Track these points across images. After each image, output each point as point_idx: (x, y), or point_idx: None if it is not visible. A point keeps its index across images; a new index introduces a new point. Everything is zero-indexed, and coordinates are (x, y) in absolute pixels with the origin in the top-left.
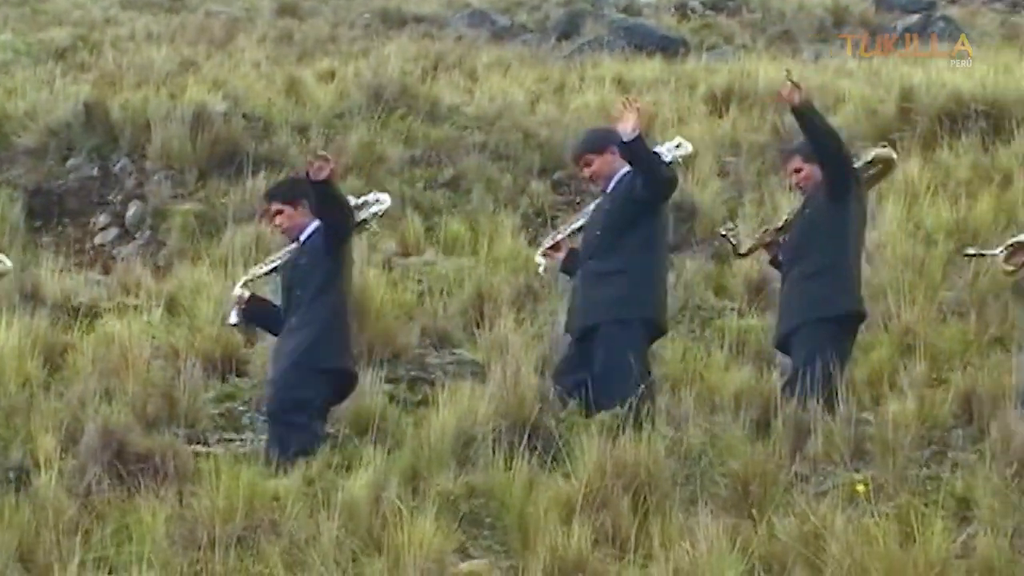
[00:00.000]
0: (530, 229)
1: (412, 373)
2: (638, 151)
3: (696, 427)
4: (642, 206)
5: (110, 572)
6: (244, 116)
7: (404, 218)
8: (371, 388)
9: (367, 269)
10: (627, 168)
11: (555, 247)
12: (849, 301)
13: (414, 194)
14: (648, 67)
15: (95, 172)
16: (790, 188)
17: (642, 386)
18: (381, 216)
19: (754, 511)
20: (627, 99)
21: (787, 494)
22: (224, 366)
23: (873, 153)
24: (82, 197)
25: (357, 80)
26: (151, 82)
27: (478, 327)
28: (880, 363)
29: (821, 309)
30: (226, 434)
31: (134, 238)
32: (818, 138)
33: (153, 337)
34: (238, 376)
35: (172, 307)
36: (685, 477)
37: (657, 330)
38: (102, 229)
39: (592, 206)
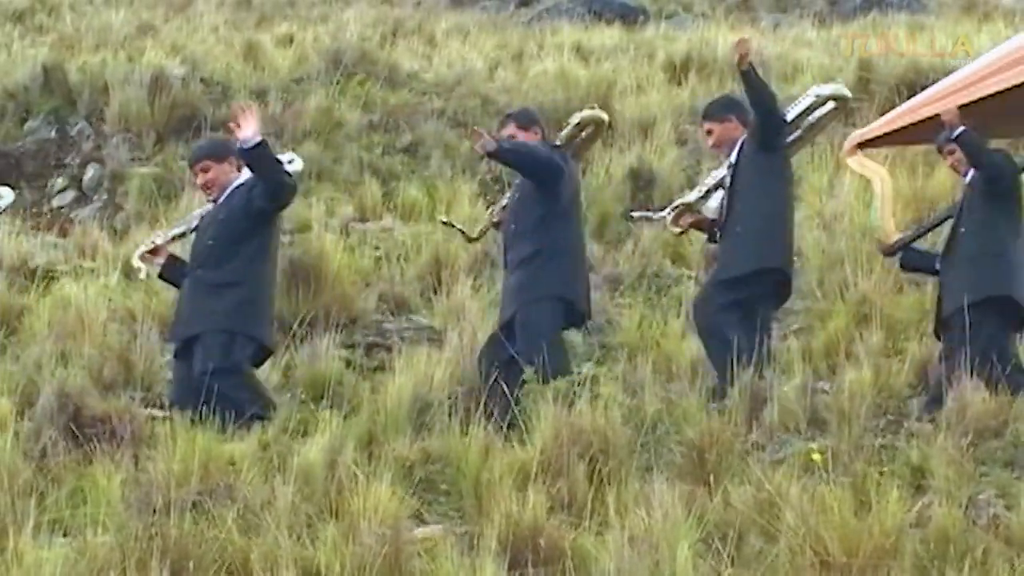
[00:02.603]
0: (487, 196)
1: (369, 339)
2: (259, 158)
3: (652, 395)
4: (258, 216)
5: (65, 535)
6: (202, 80)
7: (362, 183)
8: (328, 353)
9: (324, 234)
10: (243, 177)
11: (154, 251)
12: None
13: (372, 159)
14: (607, 35)
15: (53, 135)
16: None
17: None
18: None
19: (710, 479)
20: (243, 105)
21: (743, 462)
22: None
23: (579, 116)
24: (39, 160)
25: (316, 45)
26: (109, 45)
27: (435, 293)
28: (837, 332)
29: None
30: None
31: (91, 201)
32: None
33: (110, 300)
34: None
35: (129, 271)
36: (641, 445)
37: (262, 345)
38: (59, 192)
39: (198, 212)
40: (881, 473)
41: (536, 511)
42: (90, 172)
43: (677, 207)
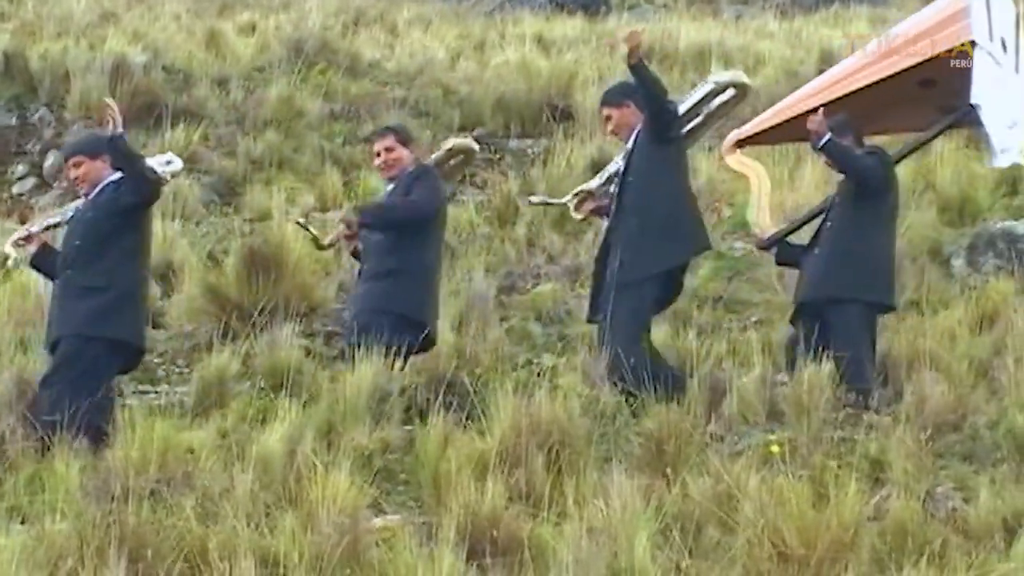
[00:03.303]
0: (449, 186)
1: (328, 328)
2: (115, 152)
3: (611, 386)
4: (124, 213)
5: (23, 522)
6: (164, 68)
7: (322, 173)
8: (287, 342)
9: (284, 223)
10: (115, 175)
11: (27, 239)
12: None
13: (333, 149)
14: (569, 25)
15: (13, 122)
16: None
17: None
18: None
19: (668, 470)
20: (106, 100)
21: (701, 454)
22: None
23: (452, 143)
24: (0, 146)
25: (277, 34)
26: (71, 32)
27: None
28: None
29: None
30: (141, 386)
31: (51, 188)
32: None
33: None
34: (154, 328)
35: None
36: (600, 436)
37: (132, 353)
38: (20, 179)
39: (73, 205)
40: (839, 466)
41: (495, 501)
42: (51, 159)
43: (579, 193)
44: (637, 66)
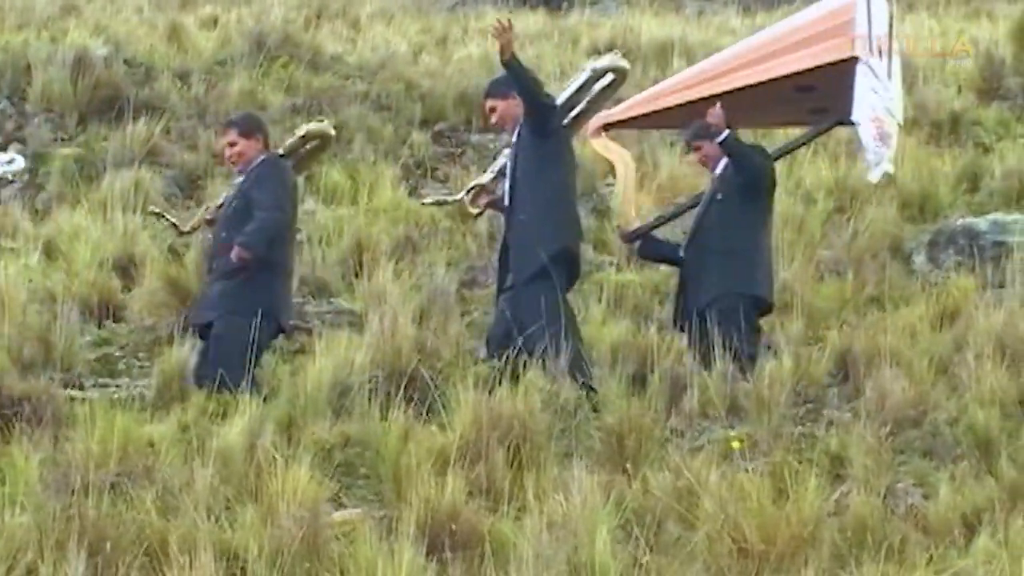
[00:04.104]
0: (410, 180)
1: (290, 322)
2: None
3: (572, 381)
4: None
5: None
6: (126, 61)
7: None
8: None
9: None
10: None
11: None
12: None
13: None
14: (531, 20)
15: None
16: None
17: None
18: (14, 178)
19: (629, 465)
20: None
21: (662, 449)
22: (101, 311)
23: (306, 128)
24: None
25: (239, 27)
26: (32, 25)
27: (357, 277)
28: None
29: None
30: (102, 379)
31: (12, 182)
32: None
33: (30, 281)
34: (115, 321)
35: (50, 251)
36: (560, 431)
37: None
38: None
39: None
40: (800, 461)
41: (455, 496)
42: (11, 152)
43: (472, 188)
44: (509, 62)
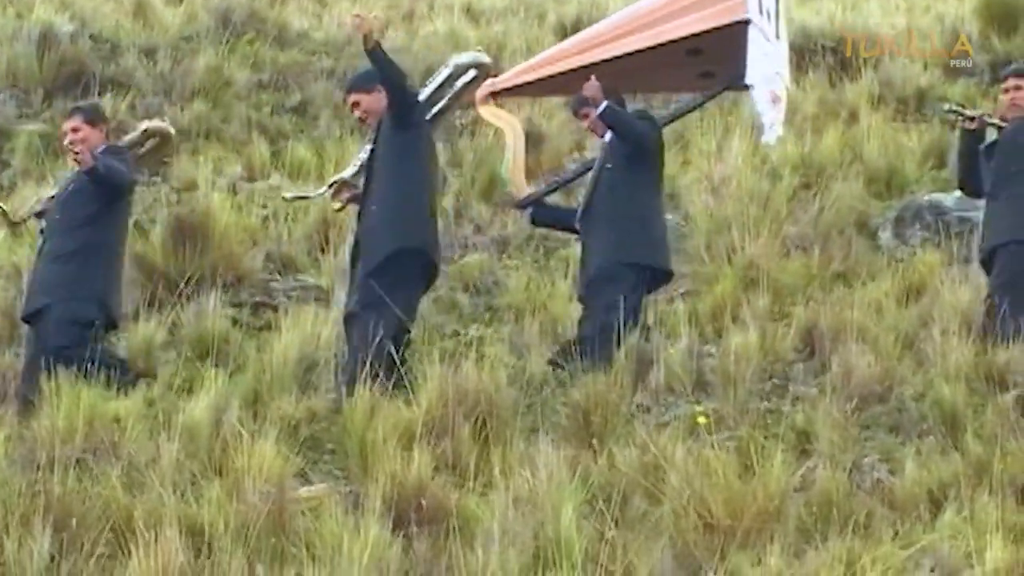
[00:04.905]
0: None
1: (256, 298)
2: None
3: (539, 356)
4: None
5: None
6: (91, 37)
7: (250, 142)
8: (214, 312)
9: (211, 193)
10: None
11: None
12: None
13: (260, 119)
14: None
15: None
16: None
17: None
18: None
19: (595, 441)
20: None
21: (628, 425)
22: None
23: (146, 124)
24: None
25: (205, 3)
26: None
27: (322, 253)
28: (723, 296)
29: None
30: None
31: None
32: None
33: None
34: None
35: (15, 228)
36: (527, 406)
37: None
38: None
39: None
40: (766, 437)
41: (421, 471)
42: None
43: (334, 183)
44: (374, 52)
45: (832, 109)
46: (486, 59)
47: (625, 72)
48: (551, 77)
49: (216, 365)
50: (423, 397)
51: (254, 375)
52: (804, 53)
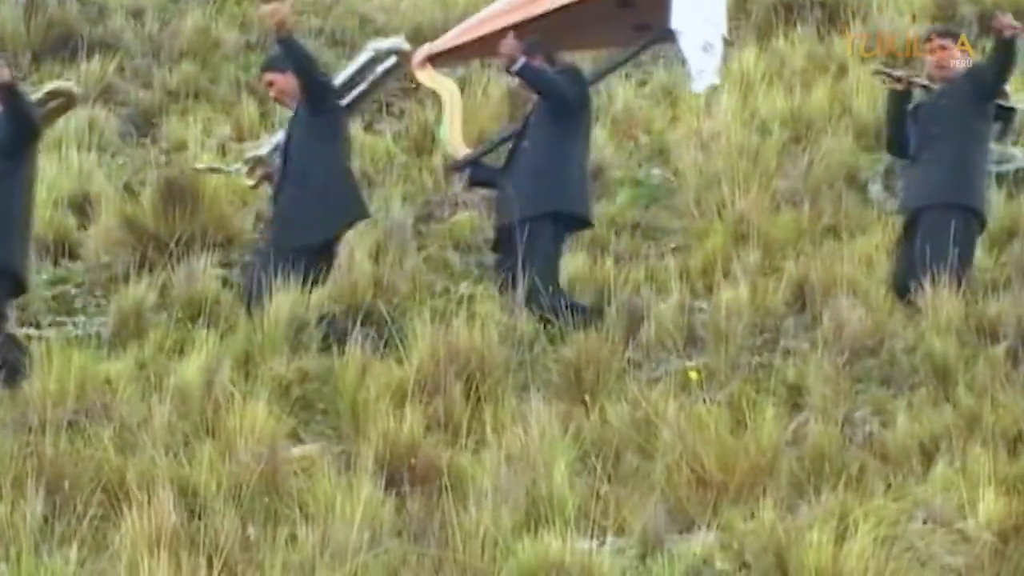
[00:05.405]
0: (365, 115)
1: (246, 258)
2: None
3: (529, 314)
4: None
5: None
6: (79, 0)
7: (239, 103)
8: (204, 272)
9: (201, 154)
10: None
11: None
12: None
13: (249, 80)
14: None
15: None
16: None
17: None
18: None
19: (586, 397)
20: None
21: (620, 381)
22: (57, 250)
23: (51, 85)
24: None
25: None
26: None
27: None
28: (714, 251)
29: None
30: (58, 317)
31: None
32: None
33: None
34: (71, 260)
35: None
36: (518, 363)
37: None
38: None
39: None
40: (757, 391)
41: (413, 430)
42: None
43: (250, 160)
44: (286, 40)
45: (821, 63)
46: (406, 46)
47: (559, 29)
48: (483, 38)
49: (207, 326)
50: (414, 355)
51: (245, 336)
52: (792, 7)
